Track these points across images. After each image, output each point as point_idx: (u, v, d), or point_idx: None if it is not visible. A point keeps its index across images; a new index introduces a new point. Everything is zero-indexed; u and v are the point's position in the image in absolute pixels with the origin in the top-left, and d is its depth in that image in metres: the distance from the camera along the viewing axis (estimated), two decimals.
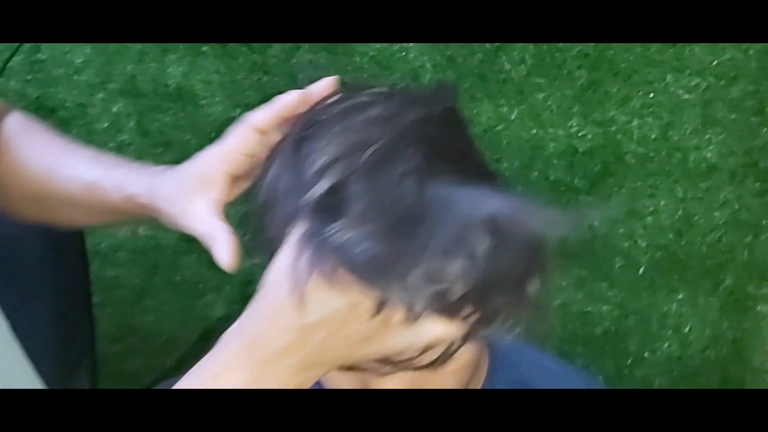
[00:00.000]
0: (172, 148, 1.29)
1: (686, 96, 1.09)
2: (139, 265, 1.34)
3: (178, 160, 1.30)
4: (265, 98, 1.24)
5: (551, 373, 0.69)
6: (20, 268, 1.14)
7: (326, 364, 0.47)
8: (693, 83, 1.12)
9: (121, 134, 1.35)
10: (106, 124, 1.35)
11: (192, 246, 1.33)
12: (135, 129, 1.34)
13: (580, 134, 1.13)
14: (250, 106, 1.27)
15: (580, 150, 1.14)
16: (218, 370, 0.47)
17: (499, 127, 1.15)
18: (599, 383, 0.76)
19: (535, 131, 1.14)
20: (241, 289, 1.34)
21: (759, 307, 1.27)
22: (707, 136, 1.11)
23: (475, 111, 1.14)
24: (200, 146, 1.30)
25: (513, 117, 1.13)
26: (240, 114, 1.37)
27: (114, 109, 1.34)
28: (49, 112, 1.33)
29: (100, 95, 1.32)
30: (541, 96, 1.11)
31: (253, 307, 0.49)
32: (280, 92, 1.33)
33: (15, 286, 1.14)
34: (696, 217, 1.19)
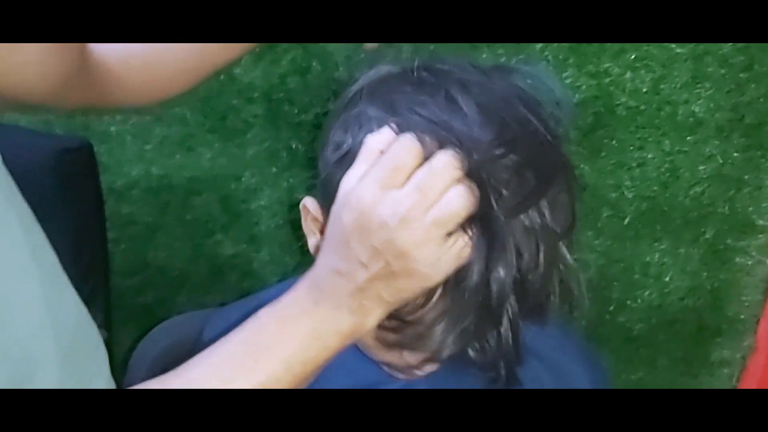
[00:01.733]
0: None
1: (678, 50, 1.12)
2: (151, 204, 1.37)
3: (185, 101, 1.32)
4: (271, 43, 1.26)
5: (549, 336, 0.73)
6: (35, 205, 1.17)
7: (383, 301, 0.50)
8: None
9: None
10: None
11: (202, 186, 1.37)
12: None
13: (575, 85, 1.16)
14: (256, 50, 1.28)
15: (574, 101, 1.18)
16: (283, 314, 0.50)
17: None
18: (572, 331, 0.80)
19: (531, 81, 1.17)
20: (248, 229, 1.38)
21: (737, 259, 1.32)
22: (696, 91, 1.15)
23: (475, 60, 1.16)
24: (207, 87, 1.32)
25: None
26: (247, 57, 1.37)
27: None
28: None
29: None
30: (538, 46, 1.14)
31: (324, 243, 0.53)
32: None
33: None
34: (681, 170, 1.23)
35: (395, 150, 0.51)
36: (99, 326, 1.27)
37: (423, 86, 0.56)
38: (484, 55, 1.16)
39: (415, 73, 0.56)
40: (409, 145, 0.51)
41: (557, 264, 0.55)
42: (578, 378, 0.79)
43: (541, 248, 0.53)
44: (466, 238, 0.51)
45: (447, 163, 0.50)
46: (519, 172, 0.52)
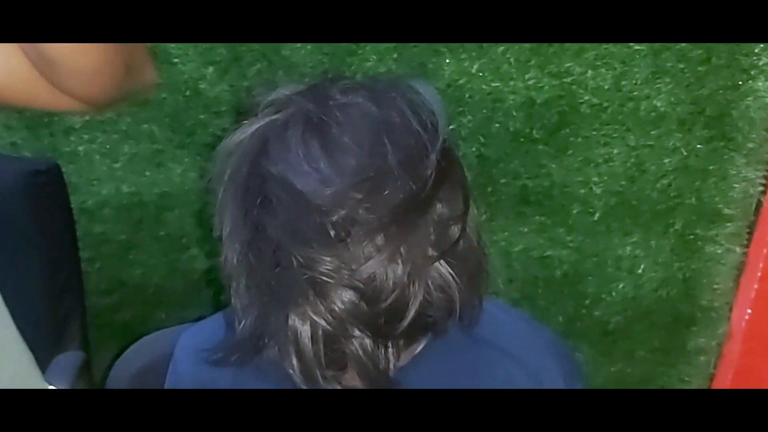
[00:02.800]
0: (147, 106, 1.31)
1: (637, 46, 1.14)
2: (124, 221, 1.37)
3: (153, 118, 1.32)
4: (236, 57, 1.26)
5: (498, 320, 0.73)
6: (5, 229, 1.17)
7: None
8: None
9: None
10: None
11: (174, 202, 1.37)
12: None
13: (537, 86, 1.17)
14: (221, 64, 1.29)
15: (538, 101, 1.19)
16: None
17: (461, 81, 1.19)
18: (543, 327, 0.81)
19: (495, 84, 1.18)
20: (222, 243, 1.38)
21: (707, 249, 1.34)
22: (657, 85, 1.16)
23: (438, 65, 1.17)
24: (174, 103, 1.33)
25: (474, 71, 1.17)
26: (212, 72, 1.39)
27: None
28: None
29: None
30: (500, 49, 1.15)
31: None
32: (251, 50, 1.35)
33: (2, 246, 1.17)
34: (647, 164, 1.24)
35: None
36: (76, 348, 1.27)
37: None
38: (448, 60, 1.17)
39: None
40: None
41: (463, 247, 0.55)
42: (551, 374, 0.80)
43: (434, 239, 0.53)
44: None
45: None
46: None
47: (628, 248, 1.34)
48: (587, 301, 1.40)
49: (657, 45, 1.12)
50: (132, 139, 1.33)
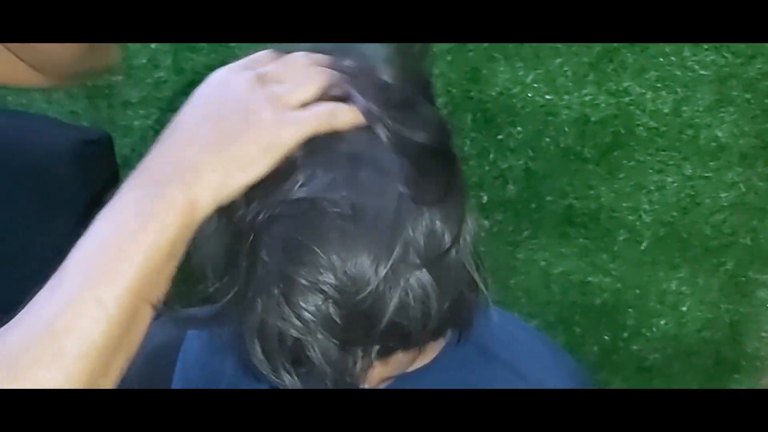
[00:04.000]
0: None
1: (702, 71, 1.09)
2: None
3: None
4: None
5: (515, 340, 0.70)
6: (54, 194, 1.20)
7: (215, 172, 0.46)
8: (710, 59, 1.11)
9: (157, 71, 1.40)
10: (144, 60, 1.40)
11: None
12: (171, 67, 1.38)
13: (593, 103, 1.13)
14: (278, 48, 1.30)
15: (593, 119, 1.15)
16: (112, 215, 0.48)
17: (514, 90, 1.17)
18: (563, 352, 0.77)
19: (549, 97, 1.15)
20: None
21: (758, 293, 1.27)
22: (720, 115, 1.11)
23: (492, 71, 1.15)
24: None
25: (529, 80, 1.14)
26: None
27: (152, 46, 1.39)
28: None
29: None
30: (557, 61, 1.12)
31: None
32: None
33: (48, 211, 1.20)
34: (702, 197, 1.19)
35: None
36: None
37: None
38: (502, 67, 1.15)
39: None
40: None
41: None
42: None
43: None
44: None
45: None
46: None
47: (674, 283, 1.28)
48: (625, 334, 1.34)
49: (723, 72, 1.07)
50: None
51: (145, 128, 1.37)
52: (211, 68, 1.40)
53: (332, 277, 0.47)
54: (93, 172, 1.25)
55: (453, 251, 0.50)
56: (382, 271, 0.47)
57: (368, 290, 0.48)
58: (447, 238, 0.49)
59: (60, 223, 1.23)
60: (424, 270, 0.49)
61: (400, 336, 0.51)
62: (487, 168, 1.22)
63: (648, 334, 1.34)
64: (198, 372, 0.70)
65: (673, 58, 1.12)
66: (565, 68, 1.12)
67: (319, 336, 0.48)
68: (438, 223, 0.49)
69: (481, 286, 0.54)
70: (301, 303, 0.47)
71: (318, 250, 0.46)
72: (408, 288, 0.49)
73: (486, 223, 1.29)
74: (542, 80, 1.14)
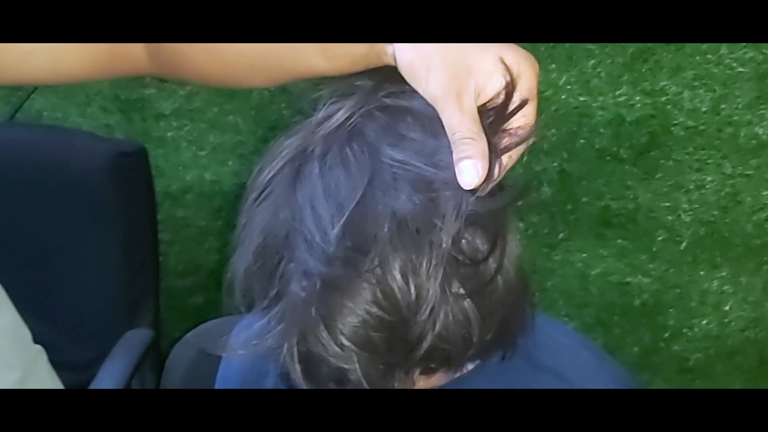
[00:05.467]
0: (234, 98, 1.34)
1: (740, 69, 1.06)
2: (204, 208, 1.40)
3: (239, 110, 1.35)
4: None
5: (559, 344, 0.69)
6: (89, 205, 1.22)
7: None
8: (748, 56, 1.08)
9: (188, 83, 1.41)
10: None
11: None
12: None
13: (628, 103, 1.11)
14: None
15: (628, 120, 1.13)
16: None
17: (547, 93, 1.15)
18: (606, 355, 0.76)
19: (583, 98, 1.14)
20: None
21: None
22: (760, 112, 1.08)
23: None
24: (260, 97, 1.35)
25: (562, 83, 1.13)
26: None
27: None
28: None
29: None
30: (591, 63, 1.11)
31: None
32: None
33: (86, 222, 1.22)
34: (743, 195, 1.16)
35: None
36: (146, 326, 1.31)
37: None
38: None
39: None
40: None
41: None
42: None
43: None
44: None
45: None
46: None
47: (716, 283, 1.25)
48: (666, 335, 1.32)
49: (762, 68, 1.05)
50: (217, 129, 1.36)
51: (178, 139, 1.38)
52: None
53: (373, 303, 0.47)
54: (128, 183, 1.27)
55: (497, 278, 0.49)
56: (424, 300, 0.47)
57: (410, 317, 0.47)
58: (491, 265, 0.48)
59: (98, 234, 1.25)
60: (467, 299, 0.48)
61: (442, 359, 0.50)
62: (521, 170, 1.21)
63: (689, 334, 1.32)
64: (238, 378, 0.71)
65: (710, 56, 1.09)
66: (599, 69, 1.10)
67: (360, 361, 0.47)
68: (480, 248, 0.48)
69: (527, 308, 0.54)
70: (341, 328, 0.47)
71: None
72: (450, 313, 0.48)
73: (521, 225, 1.28)
74: (576, 82, 1.12)
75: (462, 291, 0.48)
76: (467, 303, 0.48)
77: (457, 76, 0.46)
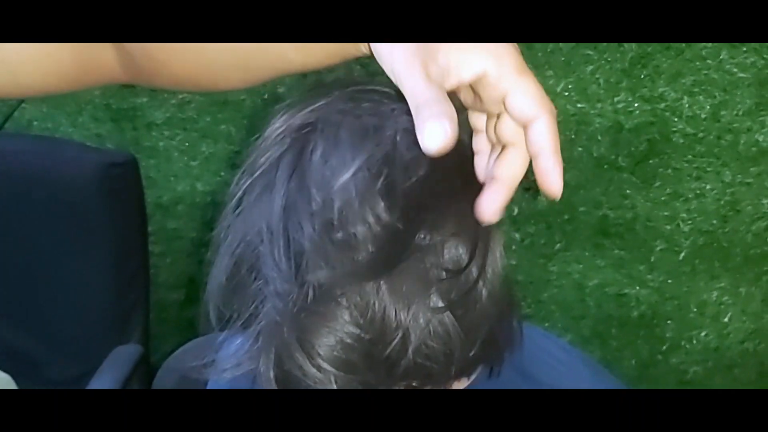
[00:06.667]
0: (227, 107, 1.33)
1: (741, 74, 1.06)
2: (196, 219, 1.38)
3: (231, 119, 1.33)
4: None
5: (555, 360, 0.67)
6: (79, 217, 1.20)
7: None
8: (749, 61, 1.08)
9: (181, 91, 1.40)
10: None
11: None
12: None
13: (627, 110, 1.11)
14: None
15: (626, 127, 1.12)
16: None
17: None
18: (604, 371, 0.75)
19: (581, 105, 1.13)
20: None
21: None
22: (760, 118, 1.08)
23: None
24: (253, 106, 1.33)
25: (559, 89, 1.12)
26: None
27: None
28: None
29: None
30: (589, 69, 1.10)
31: None
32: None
33: (75, 234, 1.20)
34: (743, 204, 1.15)
35: None
36: (136, 341, 1.28)
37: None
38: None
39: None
40: None
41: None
42: None
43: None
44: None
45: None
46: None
47: (715, 294, 1.24)
48: (664, 347, 1.31)
49: (763, 74, 1.04)
50: (210, 139, 1.34)
51: (170, 149, 1.37)
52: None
53: (349, 322, 0.45)
54: (119, 194, 1.25)
55: (478, 288, 0.47)
56: (403, 315, 0.45)
57: (388, 334, 0.45)
58: (472, 273, 0.46)
59: (87, 246, 1.23)
60: (446, 312, 0.46)
61: (423, 376, 0.48)
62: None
63: (688, 346, 1.30)
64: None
65: (709, 62, 1.09)
66: (597, 75, 1.10)
67: (338, 382, 0.45)
68: (462, 257, 0.46)
69: (514, 321, 0.51)
70: (317, 350, 0.45)
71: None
72: (429, 327, 0.46)
73: (517, 236, 1.26)
74: (573, 88, 1.11)
75: (441, 304, 0.46)
76: (447, 317, 0.46)
77: (425, 48, 0.42)
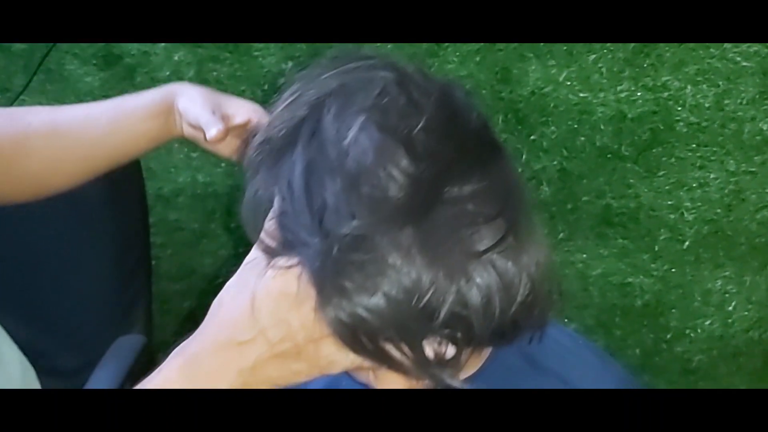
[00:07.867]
0: None
1: (745, 63, 1.05)
2: (197, 210, 1.38)
3: None
4: (315, 52, 1.25)
5: (562, 348, 0.68)
6: (82, 209, 1.19)
7: (264, 383, 0.44)
8: (752, 50, 1.07)
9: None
10: (167, 72, 1.39)
11: None
12: (194, 78, 1.37)
13: (630, 99, 1.10)
14: (300, 59, 1.29)
15: (629, 116, 1.11)
16: (159, 383, 0.45)
17: (546, 89, 1.13)
18: (611, 359, 0.75)
19: (583, 94, 1.12)
20: None
21: None
22: (764, 107, 1.07)
23: (523, 71, 1.12)
24: (254, 96, 1.33)
25: (561, 79, 1.11)
26: (291, 67, 1.39)
27: (175, 58, 1.38)
28: (116, 59, 1.38)
29: (163, 43, 1.36)
30: (591, 58, 1.09)
31: (202, 325, 0.48)
32: (330, 46, 1.35)
33: (77, 226, 1.20)
34: (747, 192, 1.15)
35: None
36: (138, 331, 1.28)
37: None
38: (534, 66, 1.11)
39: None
40: None
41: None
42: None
43: None
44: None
45: None
46: None
47: (719, 282, 1.24)
48: (668, 336, 1.31)
49: (766, 63, 1.03)
50: None
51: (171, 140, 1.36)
52: (235, 78, 1.39)
53: (383, 273, 0.45)
54: (119, 186, 1.24)
55: (508, 241, 0.47)
56: (437, 262, 0.45)
57: (424, 281, 0.45)
58: (504, 225, 0.46)
59: (88, 238, 1.23)
60: (482, 260, 0.46)
61: (465, 328, 0.48)
62: (520, 169, 1.19)
63: (692, 335, 1.30)
64: None
65: (713, 50, 1.08)
66: (600, 65, 1.09)
67: (381, 323, 0.45)
68: (492, 210, 0.47)
69: (550, 298, 0.52)
70: (354, 294, 0.44)
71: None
72: (466, 278, 0.47)
73: None
74: (576, 78, 1.10)
75: (478, 249, 0.46)
76: (485, 268, 0.47)
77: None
